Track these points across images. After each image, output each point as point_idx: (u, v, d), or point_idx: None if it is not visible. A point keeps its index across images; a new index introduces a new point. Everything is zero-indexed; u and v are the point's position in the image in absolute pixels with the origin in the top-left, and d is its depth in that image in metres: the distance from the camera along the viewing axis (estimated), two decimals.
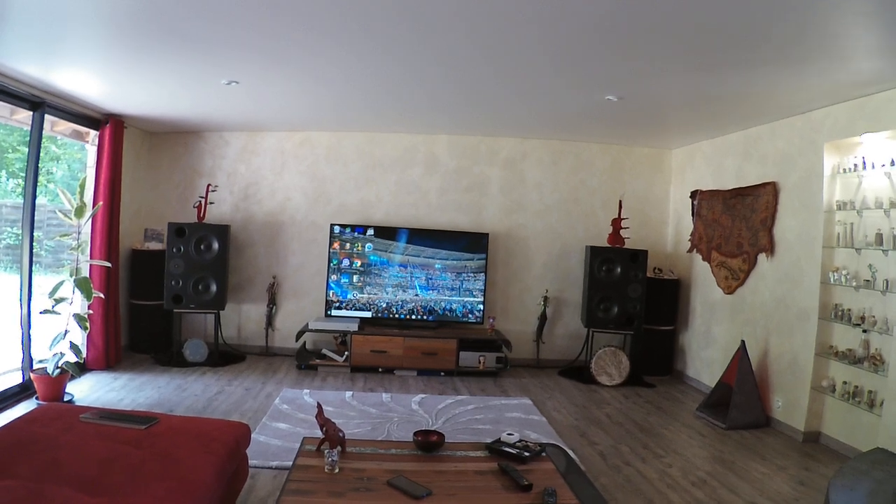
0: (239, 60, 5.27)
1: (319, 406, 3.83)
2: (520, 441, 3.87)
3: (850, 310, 5.66)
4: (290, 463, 3.70)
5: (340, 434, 3.70)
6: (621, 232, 8.26)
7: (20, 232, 6.34)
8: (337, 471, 3.41)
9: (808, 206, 6.12)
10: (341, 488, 3.22)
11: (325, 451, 3.49)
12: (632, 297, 8.06)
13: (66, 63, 5.45)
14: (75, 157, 8.47)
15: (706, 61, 4.75)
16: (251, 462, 4.34)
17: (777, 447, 5.83)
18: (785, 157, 6.49)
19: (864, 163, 5.59)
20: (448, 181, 8.81)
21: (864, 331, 5.49)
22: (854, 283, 5.60)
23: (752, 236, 6.88)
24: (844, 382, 5.68)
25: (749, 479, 5.01)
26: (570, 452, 5.13)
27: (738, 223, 7.16)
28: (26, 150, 6.35)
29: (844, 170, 5.81)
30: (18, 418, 3.75)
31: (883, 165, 5.39)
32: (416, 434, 3.93)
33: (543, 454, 3.83)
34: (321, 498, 3.11)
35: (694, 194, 8.20)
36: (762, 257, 6.76)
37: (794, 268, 6.30)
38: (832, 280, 5.80)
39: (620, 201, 8.38)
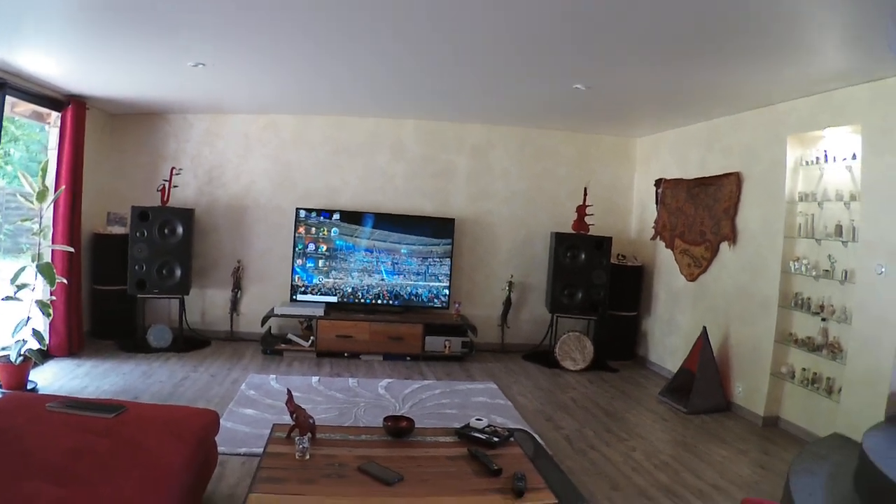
0: (205, 42, 5.21)
1: (290, 392, 3.82)
2: (488, 426, 3.91)
3: (809, 298, 5.80)
4: (259, 449, 3.71)
5: (311, 420, 3.70)
6: (586, 219, 8.35)
7: None
8: (308, 457, 3.42)
9: (770, 196, 6.23)
10: (313, 475, 3.23)
11: (296, 438, 3.50)
12: (596, 283, 8.15)
13: (28, 43, 5.33)
14: (34, 138, 8.32)
15: (673, 52, 4.80)
16: (220, 449, 4.31)
17: (738, 431, 5.96)
18: (749, 148, 6.59)
19: (826, 156, 5.72)
20: (415, 167, 8.81)
21: (823, 319, 5.63)
22: (814, 273, 5.74)
23: (715, 225, 6.99)
24: (804, 369, 5.83)
25: (711, 463, 5.12)
26: (537, 437, 5.19)
27: (702, 212, 7.26)
28: None
29: (807, 162, 5.93)
30: None
31: (844, 159, 5.51)
32: (385, 420, 3.96)
33: (512, 439, 3.87)
34: (293, 485, 3.12)
35: (658, 182, 8.29)
36: (724, 246, 6.87)
37: (755, 257, 6.42)
38: (793, 269, 5.94)
39: (585, 188, 8.46)
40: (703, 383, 6.48)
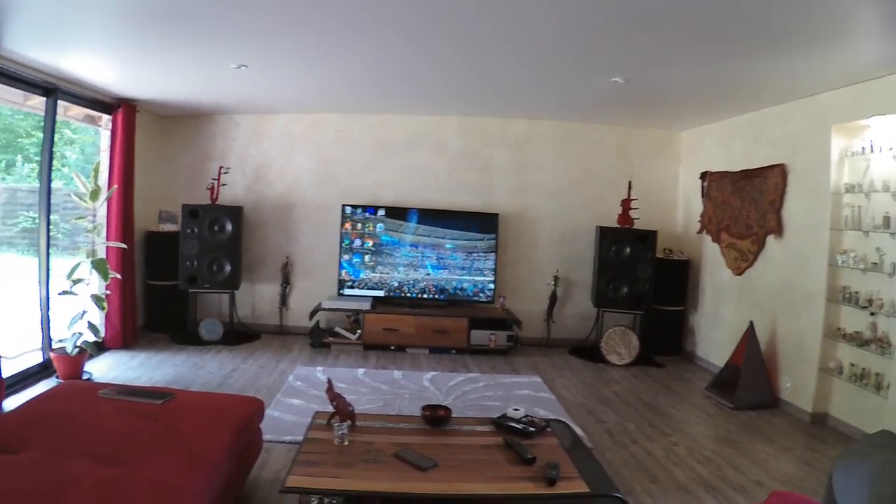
0: (249, 44, 5.31)
1: (330, 381, 3.92)
2: (525, 416, 3.94)
3: (857, 292, 5.69)
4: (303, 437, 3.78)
5: (350, 408, 3.79)
6: (630, 213, 8.30)
7: (36, 215, 6.45)
8: (346, 443, 3.51)
9: (816, 188, 6.12)
10: (350, 460, 3.32)
11: (335, 425, 3.59)
12: (641, 277, 8.11)
13: (78, 49, 5.52)
14: (89, 140, 8.56)
15: (713, 46, 4.77)
16: (265, 437, 4.46)
17: (784, 428, 5.88)
18: (793, 139, 6.49)
19: (872, 146, 5.59)
20: (457, 163, 8.86)
21: (872, 313, 5.52)
22: (861, 266, 5.62)
23: (761, 218, 6.91)
24: (852, 364, 5.72)
25: (754, 459, 5.07)
26: (577, 429, 5.19)
27: (748, 204, 7.18)
28: (41, 135, 6.45)
29: (852, 153, 5.82)
30: (40, 395, 3.88)
31: (891, 148, 5.38)
32: (424, 408, 4.02)
33: (548, 429, 3.91)
34: (330, 468, 3.21)
35: (703, 175, 8.21)
36: (770, 239, 6.79)
37: (802, 250, 6.32)
38: (840, 262, 5.82)
39: (630, 182, 8.43)
40: (749, 378, 6.41)
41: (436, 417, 3.93)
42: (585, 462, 3.53)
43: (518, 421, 3.88)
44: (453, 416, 4.02)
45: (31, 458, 2.96)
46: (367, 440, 3.60)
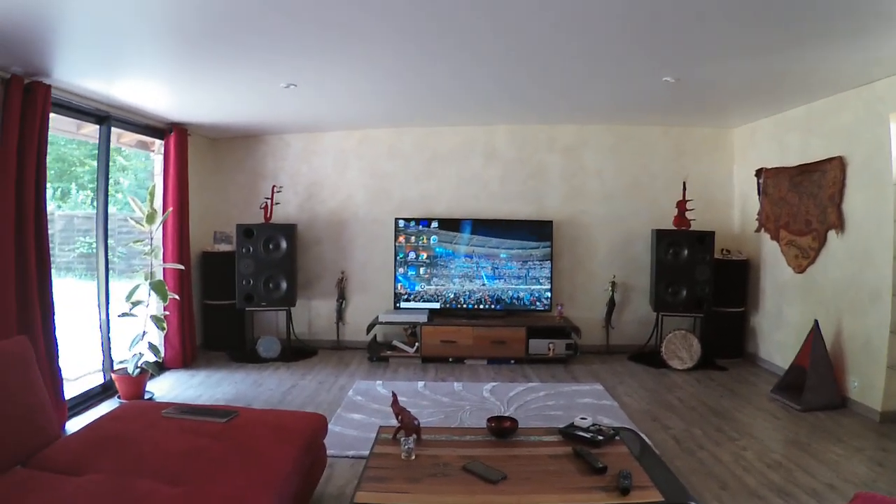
0: (298, 61, 5.35)
1: (394, 395, 3.91)
2: (593, 425, 3.89)
3: None
4: (366, 452, 3.78)
5: (416, 422, 3.77)
6: (687, 214, 8.19)
7: (92, 241, 6.59)
8: (413, 458, 3.49)
9: (877, 180, 5.95)
10: (418, 474, 3.30)
11: (401, 439, 3.58)
12: (700, 279, 7.99)
13: (129, 76, 5.63)
14: (140, 166, 8.73)
15: (763, 36, 4.66)
16: (329, 452, 4.46)
17: (853, 428, 5.72)
18: (850, 130, 6.32)
19: None
20: (508, 171, 8.84)
21: None
22: None
23: (821, 213, 6.75)
24: None
25: (825, 461, 4.93)
26: (643, 436, 5.13)
27: (806, 200, 7.02)
28: (94, 163, 6.61)
29: None
30: (103, 416, 3.93)
31: None
32: (489, 420, 3.99)
33: (617, 438, 3.85)
34: (399, 484, 3.19)
35: (759, 172, 8.06)
36: (832, 234, 6.62)
37: (865, 244, 6.14)
38: None
39: (684, 182, 8.31)
40: (815, 379, 6.25)
41: (502, 429, 3.89)
42: (656, 470, 3.46)
43: (586, 430, 3.82)
44: (519, 427, 3.98)
45: (95, 479, 2.99)
46: (433, 454, 3.57)
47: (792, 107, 7.27)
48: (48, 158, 5.36)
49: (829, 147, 6.65)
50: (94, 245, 6.54)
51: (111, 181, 6.79)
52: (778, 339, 7.72)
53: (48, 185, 5.45)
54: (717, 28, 4.47)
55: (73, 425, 5.36)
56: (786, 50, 4.96)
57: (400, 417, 3.75)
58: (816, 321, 6.42)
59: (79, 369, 6.63)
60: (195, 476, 3.08)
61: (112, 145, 6.84)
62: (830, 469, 4.78)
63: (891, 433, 5.57)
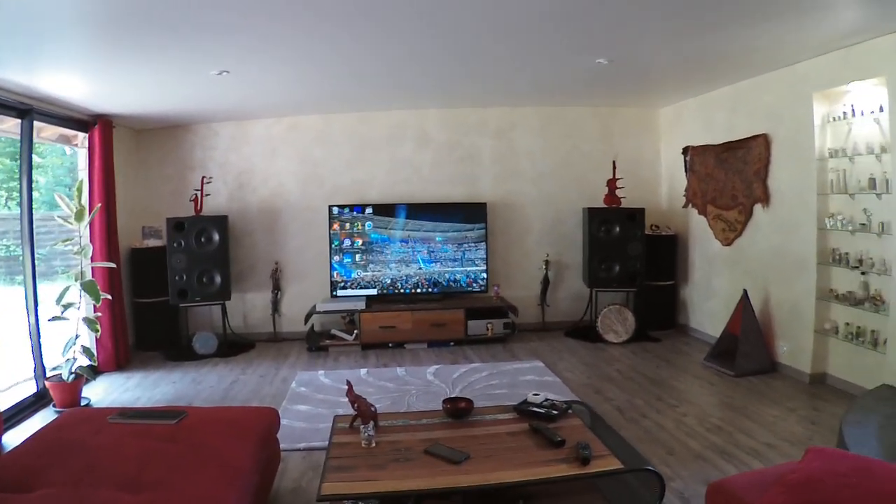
0: (230, 48, 5.23)
1: (349, 383, 3.89)
2: (546, 401, 3.97)
3: (847, 253, 5.80)
4: (318, 443, 3.80)
5: (372, 409, 3.78)
6: (617, 192, 8.37)
7: (9, 243, 6.29)
8: (374, 444, 3.50)
9: (800, 155, 6.22)
10: (381, 461, 3.31)
11: (361, 427, 3.58)
12: (632, 255, 8.19)
13: (52, 67, 5.41)
14: (57, 163, 8.43)
15: (694, 17, 4.76)
16: (280, 446, 4.42)
17: (786, 390, 5.98)
18: (774, 109, 6.57)
19: (853, 110, 5.68)
20: (440, 154, 8.87)
21: (863, 273, 5.63)
22: (850, 228, 5.73)
23: (747, 188, 6.99)
24: (847, 324, 5.83)
25: (762, 423, 5.16)
26: (592, 407, 5.24)
27: (732, 176, 7.26)
28: (7, 161, 6.27)
29: (834, 118, 5.91)
30: (45, 426, 3.75)
31: (872, 112, 5.47)
32: (445, 402, 4.03)
33: (570, 411, 3.94)
34: (363, 471, 3.19)
35: (686, 150, 8.28)
36: (758, 208, 6.87)
37: (790, 216, 6.42)
38: (828, 226, 5.93)
39: (614, 162, 8.49)
40: (747, 346, 6.50)
41: (458, 409, 3.94)
42: (611, 439, 3.57)
43: (540, 406, 3.89)
44: (474, 407, 4.03)
45: (51, 494, 2.84)
46: (393, 439, 3.59)
47: (718, 87, 7.50)
48: None
49: (753, 125, 6.90)
50: (12, 248, 6.23)
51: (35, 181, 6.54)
52: (708, 309, 7.98)
53: None
54: (650, 8, 4.54)
55: (11, 438, 5.13)
56: (717, 31, 5.08)
57: (356, 405, 3.74)
58: (745, 290, 6.67)
59: (8, 379, 6.37)
60: (155, 481, 2.99)
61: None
62: (767, 430, 5.01)
63: (821, 393, 5.86)
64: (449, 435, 3.65)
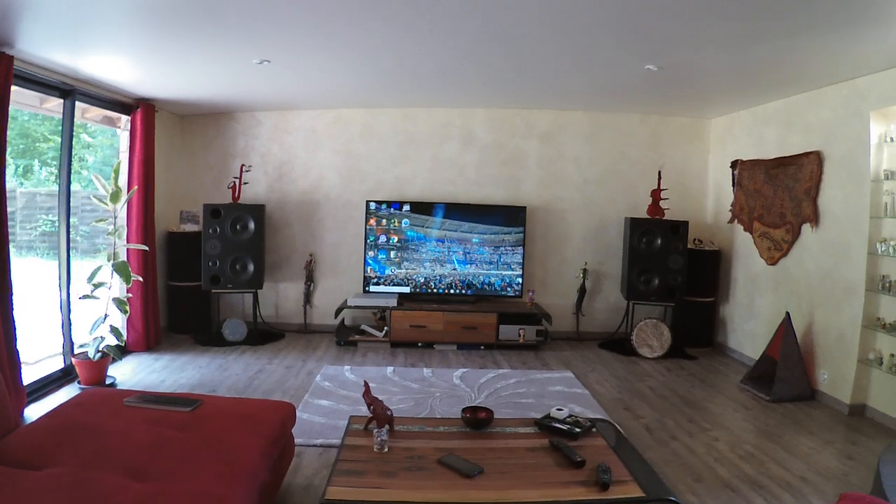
0: (272, 37, 5.20)
1: (367, 384, 3.81)
2: (569, 416, 3.83)
3: None
4: (335, 440, 3.71)
5: (388, 412, 3.68)
6: (661, 203, 8.17)
7: (56, 219, 6.37)
8: (386, 450, 3.41)
9: (854, 175, 5.95)
10: (392, 468, 3.21)
11: (374, 431, 3.48)
12: (672, 268, 7.97)
13: (96, 49, 5.41)
14: (107, 143, 8.51)
15: (749, 29, 4.61)
16: (296, 440, 4.35)
17: (823, 420, 5.74)
18: (829, 125, 6.31)
19: None
20: (485, 155, 8.74)
21: None
22: None
23: (796, 206, 6.75)
24: (892, 355, 5.56)
25: (797, 454, 4.94)
26: (618, 426, 5.08)
27: (781, 193, 7.02)
28: (58, 139, 6.38)
29: (892, 138, 5.62)
30: (63, 404, 3.75)
31: None
32: (464, 411, 3.91)
33: (594, 430, 3.79)
34: (372, 478, 3.10)
35: (734, 164, 8.04)
36: (806, 228, 6.62)
37: (839, 239, 6.15)
38: (880, 251, 5.65)
39: (659, 172, 8.29)
40: (786, 370, 6.27)
41: (477, 420, 3.82)
42: (634, 463, 3.41)
43: (563, 421, 3.76)
44: (494, 417, 3.91)
45: (57, 474, 2.84)
46: (407, 446, 3.49)
47: (771, 100, 7.25)
48: (11, 134, 5.16)
49: (806, 141, 6.64)
50: (57, 224, 6.32)
51: (76, 158, 6.58)
52: (748, 329, 7.73)
53: (10, 161, 5.26)
54: (703, 17, 4.39)
55: (33, 412, 5.19)
56: (772, 41, 4.89)
57: (372, 407, 3.66)
58: (788, 313, 6.44)
59: (39, 353, 6.44)
60: (162, 470, 2.95)
61: (77, 121, 6.64)
62: (802, 461, 4.79)
63: (859, 426, 5.61)
64: (465, 445, 3.54)
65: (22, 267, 7.45)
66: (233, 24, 4.78)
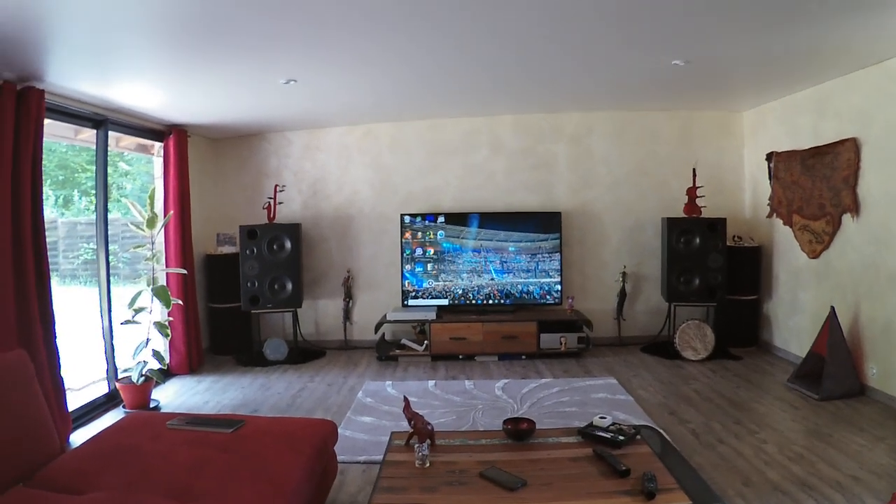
0: (296, 57, 5.24)
1: (406, 400, 3.79)
2: (613, 424, 3.77)
3: None
4: (378, 457, 3.69)
5: (429, 427, 3.65)
6: (697, 201, 8.05)
7: (96, 247, 6.48)
8: (428, 465, 3.38)
9: (892, 160, 5.79)
10: (434, 483, 3.19)
11: (415, 446, 3.46)
12: (712, 267, 7.85)
13: (122, 77, 5.49)
14: (143, 170, 8.64)
15: (775, 15, 4.53)
16: (339, 458, 4.36)
17: (874, 417, 5.58)
18: (864, 110, 6.16)
19: None
20: (514, 161, 8.70)
21: None
22: None
23: (835, 196, 6.60)
24: None
25: (848, 452, 4.81)
26: (664, 433, 5.01)
27: (819, 183, 6.87)
28: (94, 168, 6.50)
29: None
30: (106, 429, 3.81)
31: None
32: (505, 422, 3.87)
33: (638, 437, 3.72)
34: (414, 494, 3.08)
35: (769, 156, 7.91)
36: (847, 218, 6.47)
37: (882, 227, 5.99)
38: None
39: (694, 169, 8.18)
40: (834, 367, 6.11)
41: (519, 431, 3.77)
42: (680, 470, 3.36)
43: (606, 430, 3.71)
44: (536, 428, 3.86)
45: (100, 497, 2.88)
46: (448, 460, 3.46)
47: (801, 88, 7.11)
48: (50, 166, 5.25)
49: (841, 128, 6.49)
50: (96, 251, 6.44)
51: (114, 186, 6.68)
52: (793, 326, 7.58)
53: (50, 192, 5.35)
54: (730, 7, 4.33)
55: (79, 437, 5.27)
56: (801, 27, 4.79)
57: (413, 423, 3.64)
58: (833, 307, 6.28)
59: (83, 379, 6.56)
60: (204, 491, 2.98)
61: (112, 150, 6.75)
62: (854, 460, 4.65)
63: None
64: (508, 458, 3.49)
65: (66, 295, 7.58)
66: (254, 45, 4.82)
